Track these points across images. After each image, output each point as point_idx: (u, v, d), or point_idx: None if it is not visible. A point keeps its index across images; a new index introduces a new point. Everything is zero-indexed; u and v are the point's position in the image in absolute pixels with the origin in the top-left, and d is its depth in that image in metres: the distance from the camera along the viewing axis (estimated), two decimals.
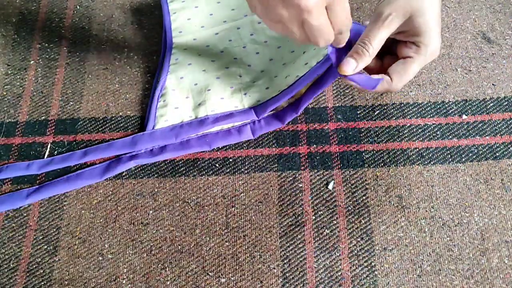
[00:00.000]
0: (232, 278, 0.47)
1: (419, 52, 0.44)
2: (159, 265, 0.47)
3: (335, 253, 0.47)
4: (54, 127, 0.55)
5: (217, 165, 0.52)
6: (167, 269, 0.47)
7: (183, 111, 0.53)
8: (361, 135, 0.53)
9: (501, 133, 0.53)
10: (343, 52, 0.44)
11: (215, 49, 0.58)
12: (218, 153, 0.53)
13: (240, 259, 0.47)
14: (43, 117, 0.56)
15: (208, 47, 0.59)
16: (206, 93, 0.54)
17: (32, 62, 0.59)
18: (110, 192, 0.51)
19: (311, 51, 0.51)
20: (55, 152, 0.53)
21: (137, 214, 0.50)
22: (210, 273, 0.47)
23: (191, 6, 0.61)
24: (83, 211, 0.50)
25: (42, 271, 0.47)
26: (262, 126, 0.53)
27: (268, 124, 0.53)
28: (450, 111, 0.54)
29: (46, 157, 0.53)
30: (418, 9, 0.42)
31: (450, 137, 0.53)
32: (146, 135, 0.52)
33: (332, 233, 0.48)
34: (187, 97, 0.54)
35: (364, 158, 0.52)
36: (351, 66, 0.42)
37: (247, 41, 0.58)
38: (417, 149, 0.52)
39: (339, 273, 0.46)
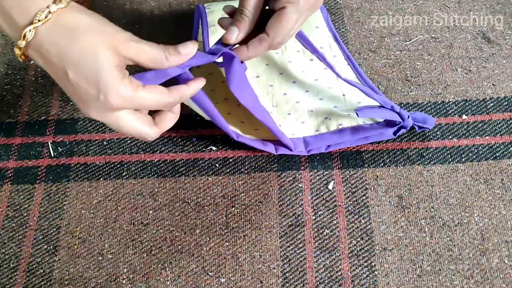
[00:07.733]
0: (232, 278, 0.47)
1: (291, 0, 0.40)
2: (159, 265, 0.47)
3: (335, 253, 0.47)
4: (54, 127, 0.55)
5: (217, 165, 0.52)
6: (167, 269, 0.47)
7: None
8: None
9: (501, 133, 0.53)
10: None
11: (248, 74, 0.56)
12: (218, 153, 0.53)
13: (240, 259, 0.47)
14: (43, 117, 0.56)
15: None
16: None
17: (32, 62, 0.59)
18: (110, 192, 0.51)
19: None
20: (55, 152, 0.53)
21: (137, 214, 0.50)
22: (210, 273, 0.47)
23: None
24: (83, 211, 0.50)
25: (42, 271, 0.47)
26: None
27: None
28: (450, 111, 0.54)
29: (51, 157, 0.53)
30: None
31: (450, 137, 0.53)
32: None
33: (332, 233, 0.48)
34: None
35: (364, 158, 0.52)
36: (233, 34, 0.42)
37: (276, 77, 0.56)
38: (417, 149, 0.52)
39: (339, 273, 0.46)
